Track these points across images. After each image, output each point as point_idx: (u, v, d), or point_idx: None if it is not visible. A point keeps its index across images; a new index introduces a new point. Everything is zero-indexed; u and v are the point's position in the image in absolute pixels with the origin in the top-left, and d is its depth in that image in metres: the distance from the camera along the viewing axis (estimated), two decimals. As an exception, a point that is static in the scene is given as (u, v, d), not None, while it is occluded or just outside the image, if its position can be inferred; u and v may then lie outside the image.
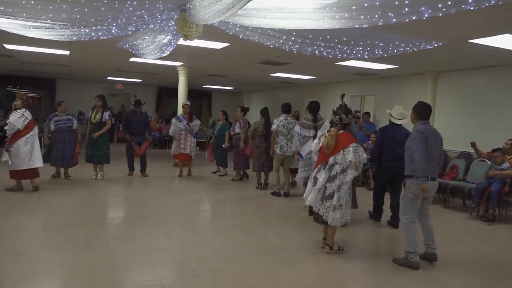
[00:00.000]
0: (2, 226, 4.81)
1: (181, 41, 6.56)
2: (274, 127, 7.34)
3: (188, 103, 9.37)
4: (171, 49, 6.38)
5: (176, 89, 11.70)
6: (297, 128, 6.56)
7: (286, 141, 7.24)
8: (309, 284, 3.59)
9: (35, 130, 6.66)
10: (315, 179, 4.42)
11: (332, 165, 4.31)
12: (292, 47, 5.69)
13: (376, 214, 6.08)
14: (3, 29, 5.89)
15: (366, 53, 6.01)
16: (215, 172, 9.86)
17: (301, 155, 6.48)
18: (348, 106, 4.82)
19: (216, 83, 16.02)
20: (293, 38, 5.43)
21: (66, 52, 9.55)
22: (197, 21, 4.49)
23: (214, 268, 3.80)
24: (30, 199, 6.10)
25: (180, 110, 10.76)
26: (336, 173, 4.28)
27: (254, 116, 17.96)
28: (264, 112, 8.17)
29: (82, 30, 5.47)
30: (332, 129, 4.49)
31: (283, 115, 7.37)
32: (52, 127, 7.69)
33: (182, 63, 10.72)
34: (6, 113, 14.14)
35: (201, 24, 4.86)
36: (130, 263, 3.88)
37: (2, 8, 4.02)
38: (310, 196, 4.39)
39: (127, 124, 8.65)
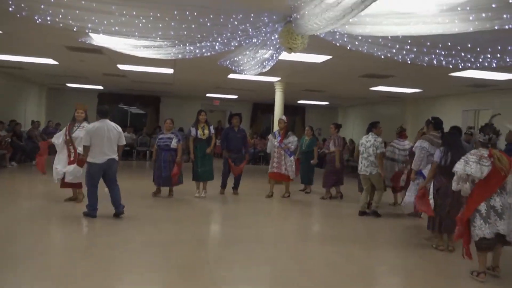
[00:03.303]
0: (110, 242, 4.95)
1: (281, 56, 6.41)
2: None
3: (284, 118, 8.77)
4: (272, 64, 6.21)
5: (271, 105, 11.60)
6: (424, 143, 5.77)
7: (360, 160, 6.92)
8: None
9: None
10: (493, 207, 4.07)
11: (506, 184, 4.10)
12: (406, 57, 5.11)
13: None
14: (118, 50, 6.29)
15: (495, 61, 5.16)
16: (303, 190, 9.41)
17: (423, 175, 5.67)
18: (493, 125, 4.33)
19: (311, 98, 15.70)
20: (408, 47, 4.85)
21: (171, 71, 10.02)
22: (303, 32, 4.21)
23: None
24: (135, 214, 6.26)
25: (276, 126, 10.60)
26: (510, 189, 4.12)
27: (350, 133, 17.26)
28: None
29: (187, 48, 5.55)
30: (486, 150, 4.17)
31: (369, 134, 7.01)
32: (156, 145, 7.78)
33: (279, 78, 10.60)
34: (124, 130, 15.43)
35: (306, 35, 4.59)
36: (231, 290, 3.65)
37: (117, 28, 4.17)
38: (503, 224, 4.02)
39: (225, 140, 8.39)
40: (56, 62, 9.47)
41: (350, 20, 3.91)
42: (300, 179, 9.25)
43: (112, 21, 4.06)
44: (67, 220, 5.74)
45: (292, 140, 8.33)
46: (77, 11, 3.95)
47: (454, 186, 4.24)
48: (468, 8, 3.33)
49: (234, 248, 4.95)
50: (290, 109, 18.42)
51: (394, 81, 9.71)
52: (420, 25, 3.73)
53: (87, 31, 4.26)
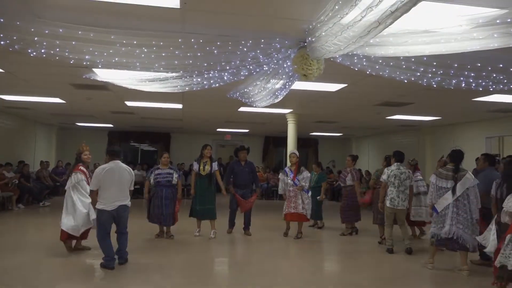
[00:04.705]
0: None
1: (294, 86, 6.07)
2: (384, 177, 6.54)
3: (296, 152, 8.02)
4: (285, 94, 5.85)
5: (283, 138, 11.25)
6: (432, 178, 5.59)
7: (397, 193, 6.38)
8: None
9: None
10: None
11: None
12: (432, 81, 4.71)
13: None
14: (123, 85, 6.03)
15: (530, 82, 4.74)
16: (312, 226, 8.83)
17: (436, 210, 5.39)
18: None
19: (323, 130, 15.30)
20: (433, 69, 4.47)
21: (179, 106, 9.77)
22: (320, 56, 3.85)
23: None
24: (140, 259, 5.75)
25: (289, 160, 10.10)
26: None
27: (365, 165, 16.69)
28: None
29: (194, 80, 5.25)
30: None
31: (395, 164, 6.56)
32: (152, 181, 7.14)
33: (291, 110, 10.26)
34: (134, 168, 15.12)
35: (322, 60, 4.23)
36: None
37: (117, 59, 3.86)
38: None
39: (231, 175, 7.85)
40: (63, 101, 9.29)
41: (371, 40, 3.56)
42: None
43: (111, 51, 3.76)
44: (71, 271, 5.26)
45: (306, 176, 7.61)
46: (73, 42, 3.66)
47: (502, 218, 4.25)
48: (509, 20, 2.94)
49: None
50: (303, 141, 18.00)
51: (412, 109, 9.28)
52: (452, 42, 3.33)
53: (84, 63, 3.96)
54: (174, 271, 5.32)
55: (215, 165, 7.48)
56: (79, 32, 3.60)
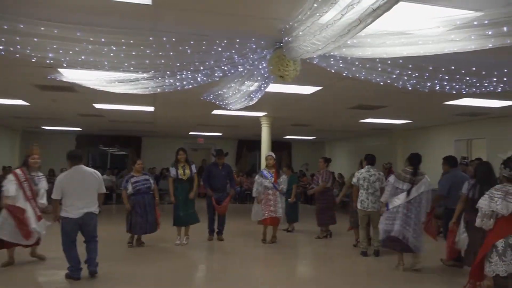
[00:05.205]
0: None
1: (269, 88, 5.97)
2: (354, 180, 6.67)
3: (272, 154, 7.89)
4: (260, 96, 5.74)
5: (256, 142, 11.15)
6: (391, 178, 5.79)
7: (366, 196, 6.49)
8: None
9: None
10: (510, 246, 3.72)
11: None
12: (407, 83, 4.71)
13: None
14: (91, 87, 5.75)
15: (501, 86, 4.81)
16: (286, 229, 8.75)
17: (387, 206, 5.62)
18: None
19: (297, 133, 15.31)
20: (409, 72, 4.46)
21: (151, 109, 9.49)
22: (297, 56, 3.75)
23: None
24: (111, 271, 5.44)
25: (263, 164, 9.96)
26: None
27: (338, 168, 16.80)
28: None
29: (166, 81, 5.05)
30: None
31: (366, 166, 6.70)
32: (130, 189, 6.84)
33: (265, 113, 10.17)
34: (103, 173, 14.58)
35: (299, 62, 4.14)
36: None
37: (83, 57, 3.63)
38: None
39: (208, 178, 7.66)
40: (26, 103, 8.84)
41: (349, 41, 3.49)
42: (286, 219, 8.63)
43: (77, 49, 3.53)
44: (31, 282, 4.94)
45: (283, 179, 7.78)
46: (35, 39, 3.41)
47: (478, 222, 3.95)
48: (486, 22, 2.93)
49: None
50: (276, 144, 17.90)
51: (385, 112, 9.37)
52: (430, 44, 3.30)
53: (48, 61, 3.71)
54: (146, 281, 5.07)
55: (194, 168, 7.32)
56: (42, 28, 3.36)
